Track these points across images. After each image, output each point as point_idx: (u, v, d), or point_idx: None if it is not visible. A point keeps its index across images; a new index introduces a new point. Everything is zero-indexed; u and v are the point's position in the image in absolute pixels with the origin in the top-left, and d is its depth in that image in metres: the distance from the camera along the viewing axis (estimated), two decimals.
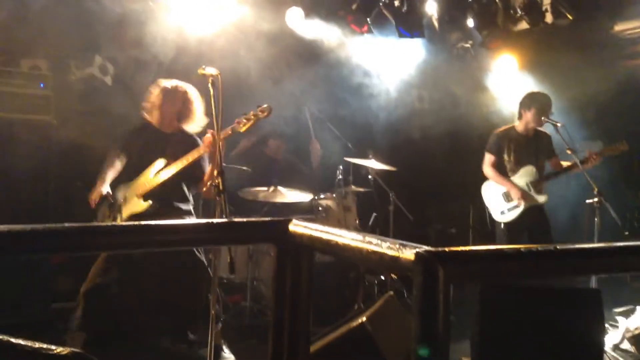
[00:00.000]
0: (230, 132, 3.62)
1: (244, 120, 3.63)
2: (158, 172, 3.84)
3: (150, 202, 3.77)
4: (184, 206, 3.97)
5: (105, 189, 3.87)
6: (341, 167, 5.72)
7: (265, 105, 3.65)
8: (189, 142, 4.00)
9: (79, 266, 3.78)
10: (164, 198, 3.84)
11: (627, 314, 4.76)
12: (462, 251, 1.31)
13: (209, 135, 3.75)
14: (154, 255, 3.62)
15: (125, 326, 3.63)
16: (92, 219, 3.83)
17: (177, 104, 4.03)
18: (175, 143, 3.97)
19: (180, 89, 4.05)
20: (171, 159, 3.86)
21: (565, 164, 5.12)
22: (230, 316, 4.93)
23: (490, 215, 5.22)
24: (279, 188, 5.31)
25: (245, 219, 1.96)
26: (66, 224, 1.78)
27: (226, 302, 5.09)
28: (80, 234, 1.80)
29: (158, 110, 4.01)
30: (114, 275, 3.70)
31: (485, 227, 5.51)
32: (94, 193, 3.85)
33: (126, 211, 3.82)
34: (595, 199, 4.53)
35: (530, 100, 5.12)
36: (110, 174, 3.93)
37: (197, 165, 3.93)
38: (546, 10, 6.02)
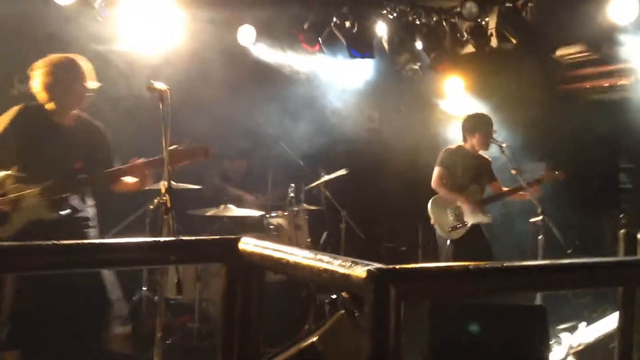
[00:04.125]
0: (159, 162, 3.24)
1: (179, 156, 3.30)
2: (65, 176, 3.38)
3: (58, 211, 3.36)
4: (83, 212, 3.51)
5: None
6: (293, 185, 5.70)
7: (210, 151, 3.38)
8: (90, 133, 3.53)
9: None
10: (68, 203, 3.42)
11: (570, 330, 4.88)
12: (412, 269, 1.31)
13: (140, 161, 3.38)
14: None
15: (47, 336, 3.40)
16: None
17: (81, 88, 3.47)
18: (79, 138, 3.47)
19: (78, 66, 3.47)
20: (78, 157, 3.41)
21: (505, 189, 5.26)
22: (177, 338, 4.81)
23: (436, 232, 5.23)
24: (229, 206, 5.25)
25: (193, 237, 1.92)
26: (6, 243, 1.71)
27: (174, 324, 4.97)
28: (20, 253, 1.73)
29: (59, 99, 3.43)
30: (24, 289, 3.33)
31: (435, 245, 5.56)
32: None
33: (25, 213, 3.34)
34: (539, 218, 4.68)
35: (473, 125, 5.19)
36: None
37: (104, 155, 3.52)
38: (491, 35, 6.21)
